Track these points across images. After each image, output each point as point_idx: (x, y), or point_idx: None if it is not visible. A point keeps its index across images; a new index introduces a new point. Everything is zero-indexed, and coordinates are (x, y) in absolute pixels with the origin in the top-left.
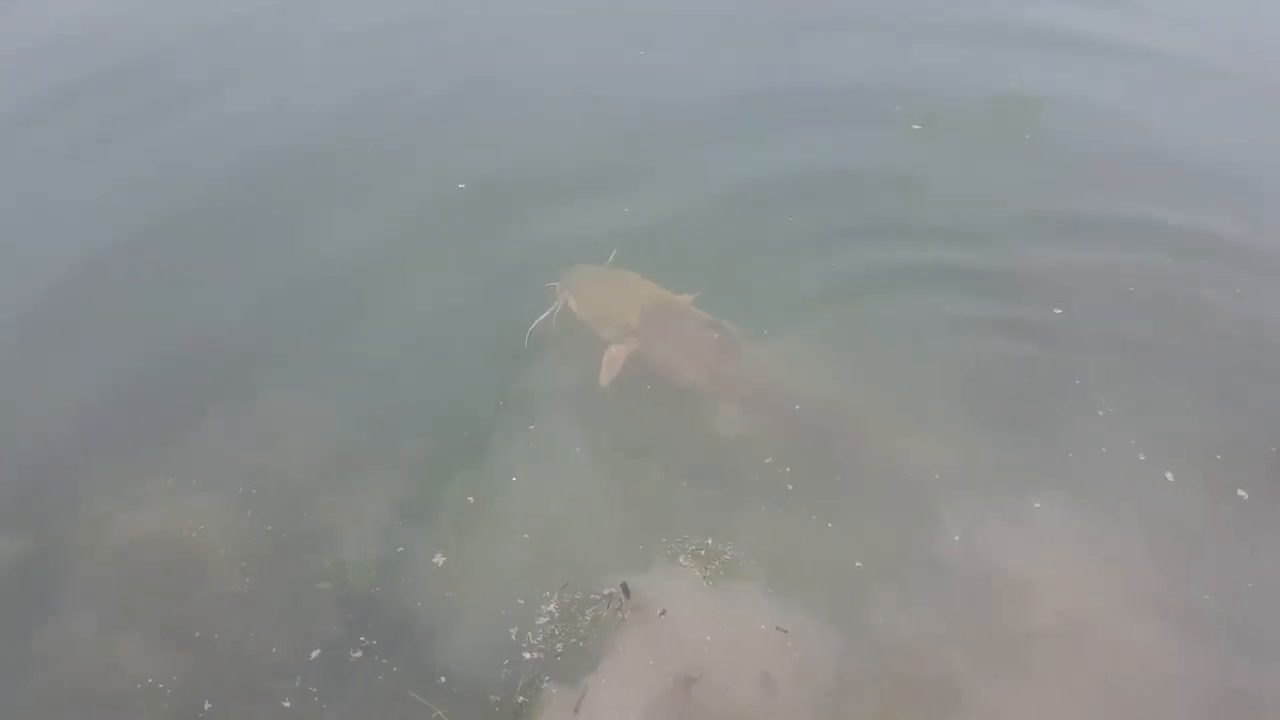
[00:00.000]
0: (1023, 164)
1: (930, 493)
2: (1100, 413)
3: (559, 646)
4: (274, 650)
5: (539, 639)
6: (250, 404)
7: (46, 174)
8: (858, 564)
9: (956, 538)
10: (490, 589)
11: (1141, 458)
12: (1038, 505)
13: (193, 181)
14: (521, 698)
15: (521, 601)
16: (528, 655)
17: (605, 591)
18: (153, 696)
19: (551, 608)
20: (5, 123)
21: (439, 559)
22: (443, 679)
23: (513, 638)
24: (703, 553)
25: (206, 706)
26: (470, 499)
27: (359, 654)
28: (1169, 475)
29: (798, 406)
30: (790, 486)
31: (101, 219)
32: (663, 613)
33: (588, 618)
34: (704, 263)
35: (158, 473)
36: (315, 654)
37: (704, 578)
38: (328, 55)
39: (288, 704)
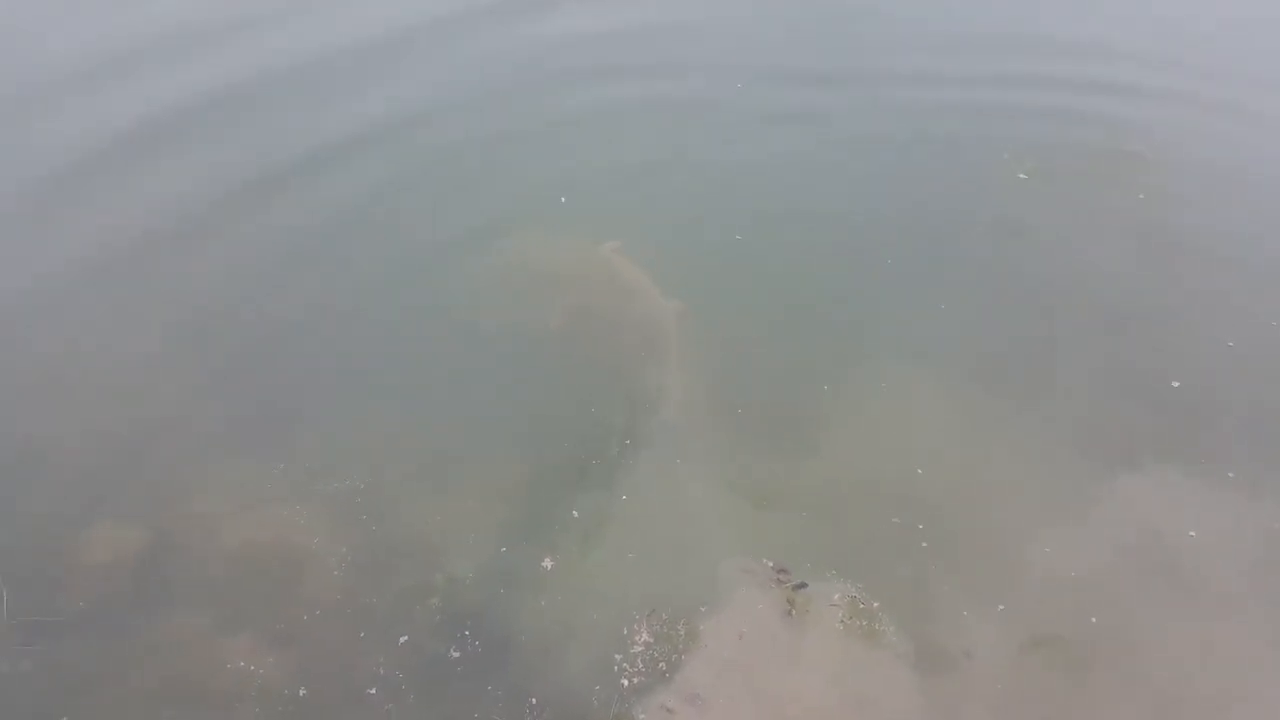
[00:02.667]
0: (1135, 223)
1: None
2: None
3: (657, 666)
4: (374, 650)
5: (636, 665)
6: (361, 414)
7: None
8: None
9: None
10: (586, 605)
11: None
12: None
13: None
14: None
15: (616, 622)
16: (625, 682)
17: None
18: (254, 687)
19: (645, 636)
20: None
21: (548, 562)
22: (533, 700)
23: (608, 658)
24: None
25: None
26: (575, 513)
27: (456, 653)
28: None
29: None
30: (925, 544)
31: (223, 230)
32: (741, 636)
33: (681, 633)
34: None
35: (266, 477)
36: (407, 648)
37: (789, 611)
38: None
39: (388, 709)
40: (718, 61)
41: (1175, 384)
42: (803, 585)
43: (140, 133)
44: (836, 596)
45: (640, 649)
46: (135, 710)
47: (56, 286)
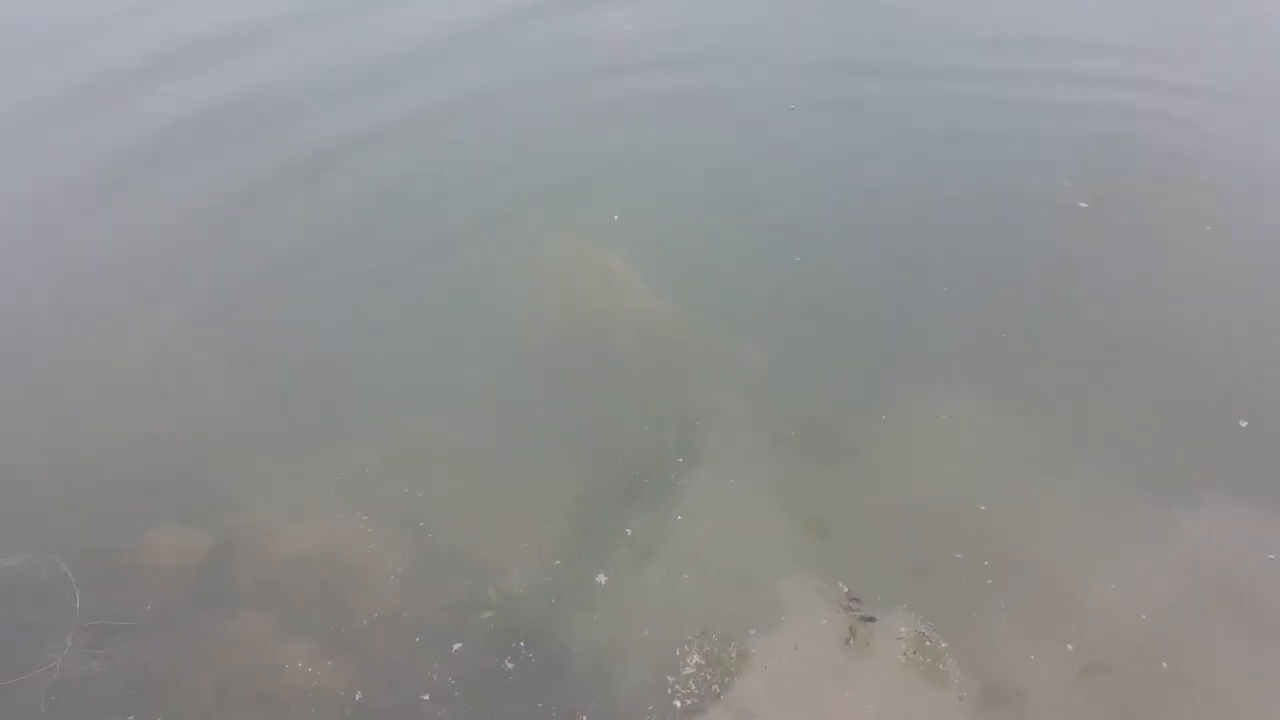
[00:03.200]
0: (1199, 257)
1: None
2: None
3: (709, 688)
4: (428, 658)
5: (689, 686)
6: (416, 425)
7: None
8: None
9: None
10: (639, 623)
11: None
12: None
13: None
14: None
15: (669, 642)
16: (678, 704)
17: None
18: (311, 691)
19: (698, 657)
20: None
21: (601, 578)
22: (584, 718)
23: (661, 679)
24: (854, 616)
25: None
26: (629, 531)
27: (510, 665)
28: None
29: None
30: (990, 581)
31: (279, 240)
32: (796, 661)
33: (733, 655)
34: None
35: (326, 484)
36: (461, 657)
37: (849, 639)
38: None
39: (441, 716)
40: (778, 101)
41: (1243, 423)
42: (871, 619)
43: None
44: (902, 630)
45: (692, 670)
46: (197, 711)
47: (120, 298)
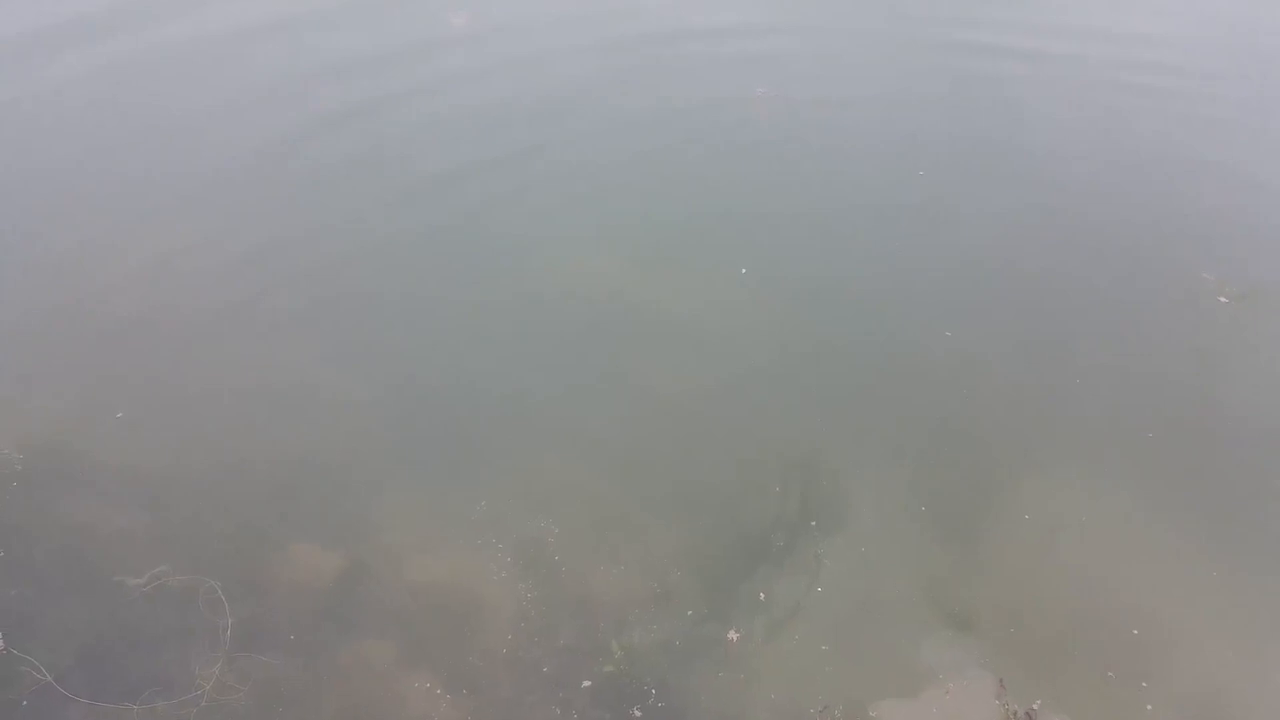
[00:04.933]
0: None
1: None
2: None
3: None
4: (550, 701)
5: None
6: (547, 465)
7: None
8: None
9: None
10: (767, 686)
11: None
12: None
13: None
14: None
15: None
16: None
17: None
18: None
19: None
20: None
21: (733, 635)
22: None
23: None
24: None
25: None
26: (761, 595)
27: (639, 713)
28: None
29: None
30: (1150, 707)
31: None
32: None
33: None
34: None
35: (453, 518)
36: (588, 697)
37: None
38: None
39: None
40: (910, 166)
41: None
42: None
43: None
44: None
45: None
46: None
47: (259, 318)
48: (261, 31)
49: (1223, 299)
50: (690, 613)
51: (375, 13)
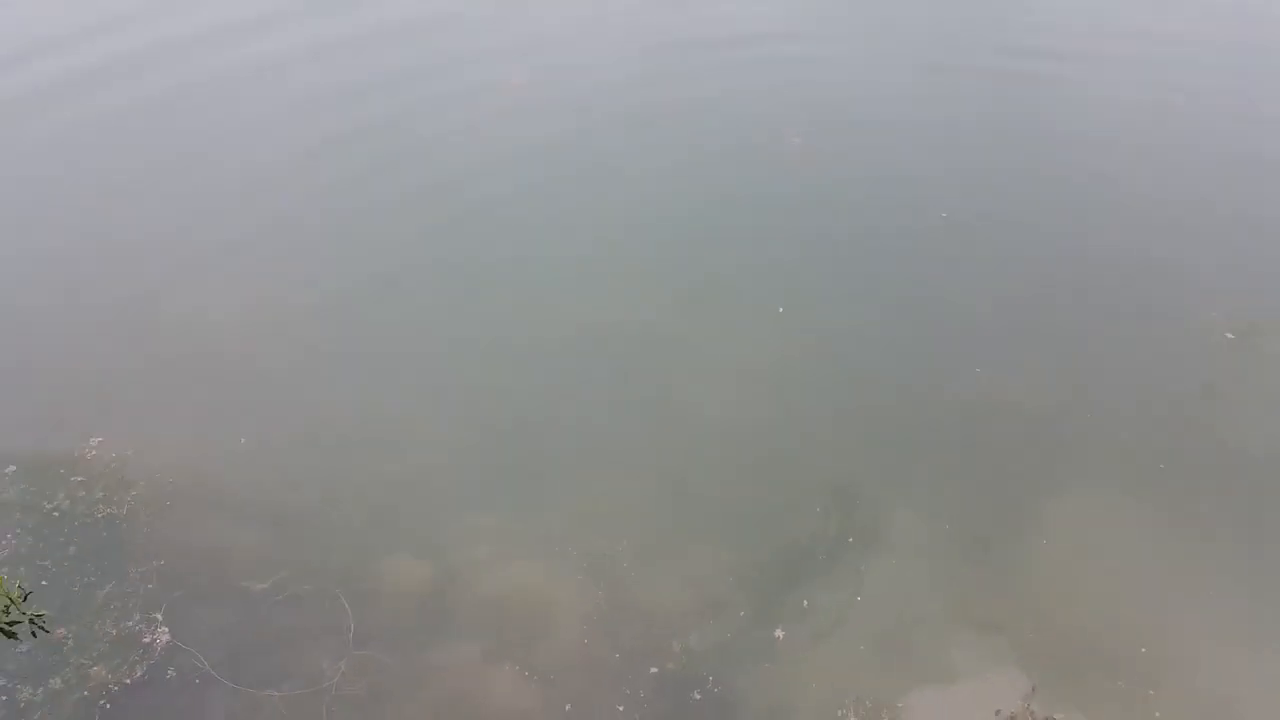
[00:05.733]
0: None
1: None
2: None
3: None
4: (623, 682)
5: None
6: (609, 483)
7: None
8: None
9: None
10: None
11: None
12: None
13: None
14: None
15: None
16: None
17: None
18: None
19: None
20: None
21: (779, 633)
22: None
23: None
24: None
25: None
26: (805, 602)
27: (698, 695)
28: None
29: None
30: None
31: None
32: None
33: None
34: None
35: (528, 533)
36: (654, 682)
37: None
38: None
39: None
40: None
41: None
42: None
43: None
44: None
45: None
46: None
47: (358, 361)
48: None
49: (1229, 335)
50: (743, 614)
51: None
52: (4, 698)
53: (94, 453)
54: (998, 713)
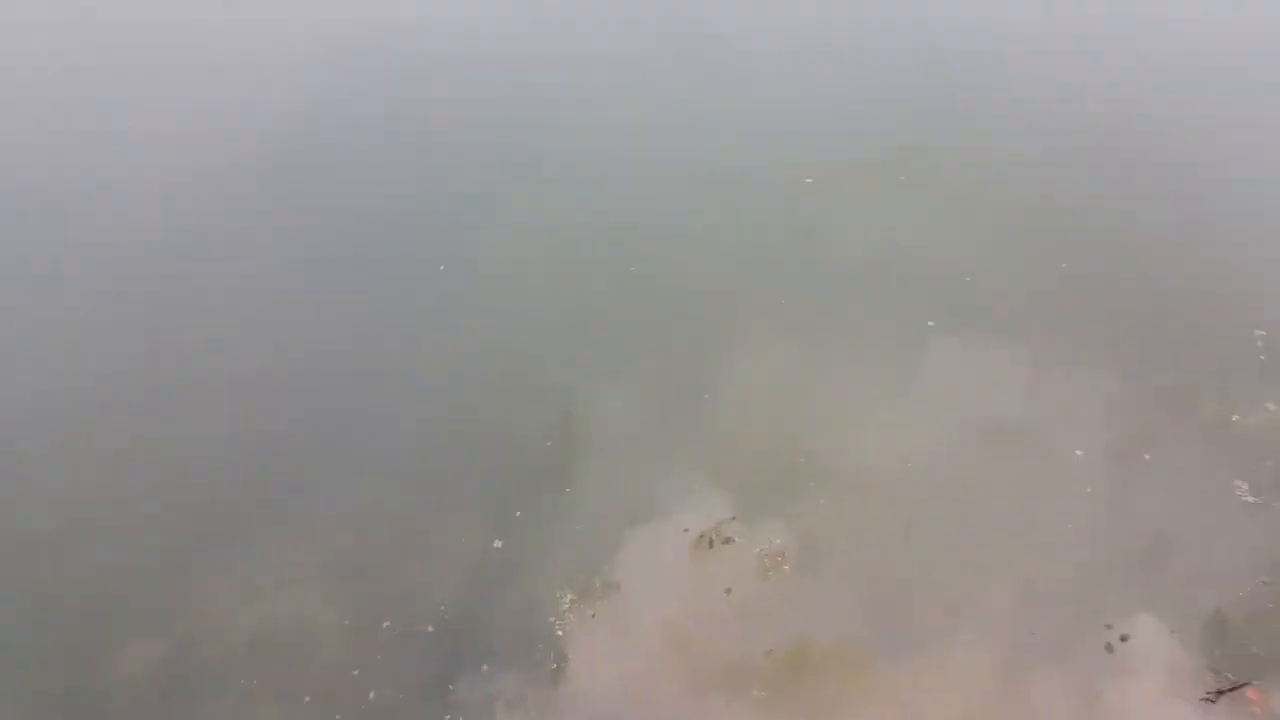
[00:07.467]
0: None
1: None
2: None
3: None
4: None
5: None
6: (348, 498)
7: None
8: None
9: None
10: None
11: None
12: None
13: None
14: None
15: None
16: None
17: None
18: None
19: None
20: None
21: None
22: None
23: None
24: None
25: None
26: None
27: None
28: None
29: None
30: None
31: None
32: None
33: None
34: None
35: (256, 570)
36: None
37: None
38: None
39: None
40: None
41: None
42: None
43: None
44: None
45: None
46: None
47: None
48: None
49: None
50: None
51: None
52: None
53: None
54: (686, 530)
